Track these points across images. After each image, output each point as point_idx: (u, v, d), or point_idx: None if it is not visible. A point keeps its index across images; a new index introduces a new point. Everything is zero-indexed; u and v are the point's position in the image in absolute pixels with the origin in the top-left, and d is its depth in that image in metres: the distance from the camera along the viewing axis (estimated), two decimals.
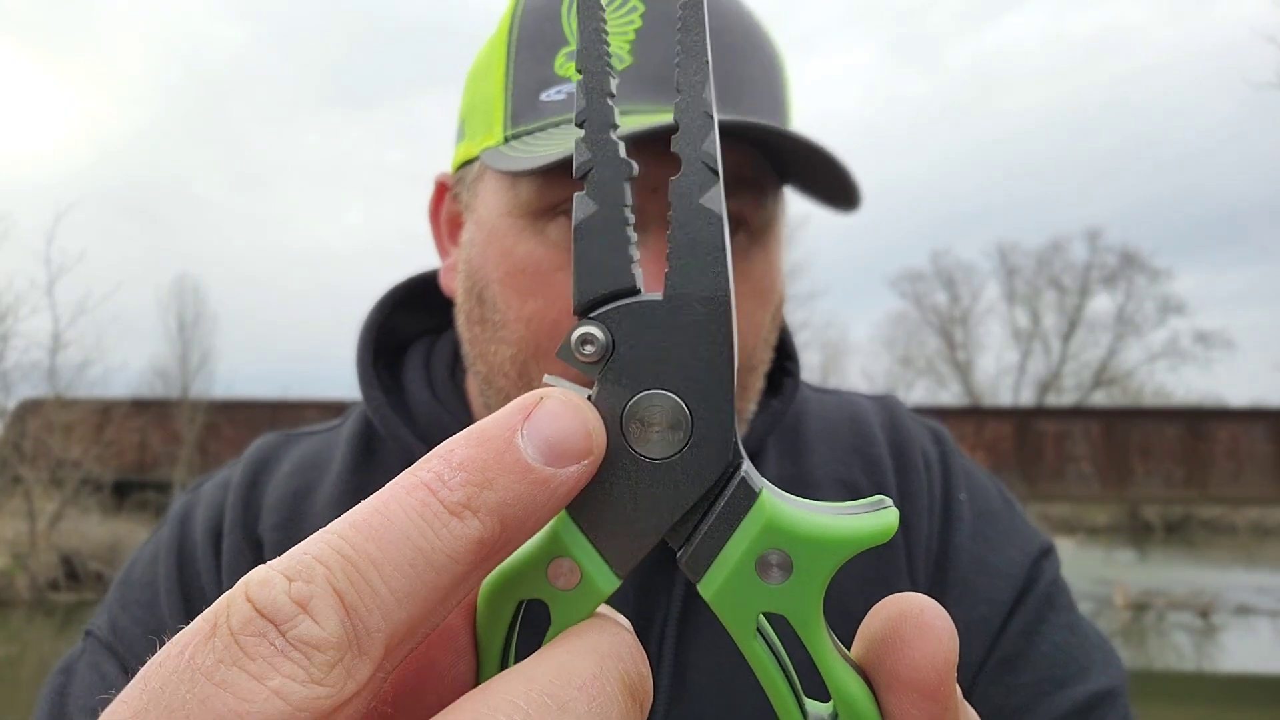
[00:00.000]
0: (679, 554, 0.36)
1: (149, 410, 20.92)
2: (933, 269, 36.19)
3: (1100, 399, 32.13)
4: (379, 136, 64.50)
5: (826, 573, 0.35)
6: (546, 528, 0.35)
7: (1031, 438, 18.67)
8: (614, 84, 0.36)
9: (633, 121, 0.67)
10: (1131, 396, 32.75)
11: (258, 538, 0.78)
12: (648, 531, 0.35)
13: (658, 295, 0.35)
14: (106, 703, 0.72)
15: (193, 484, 0.86)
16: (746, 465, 0.36)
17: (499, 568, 0.34)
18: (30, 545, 16.70)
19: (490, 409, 0.77)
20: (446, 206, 0.84)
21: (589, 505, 0.35)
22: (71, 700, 0.75)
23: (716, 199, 0.36)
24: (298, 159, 59.67)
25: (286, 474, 0.82)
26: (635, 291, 0.36)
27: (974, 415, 20.11)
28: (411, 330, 0.90)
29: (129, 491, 20.28)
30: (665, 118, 0.67)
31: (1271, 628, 16.05)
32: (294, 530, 0.77)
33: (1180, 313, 33.63)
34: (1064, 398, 32.05)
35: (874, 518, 0.36)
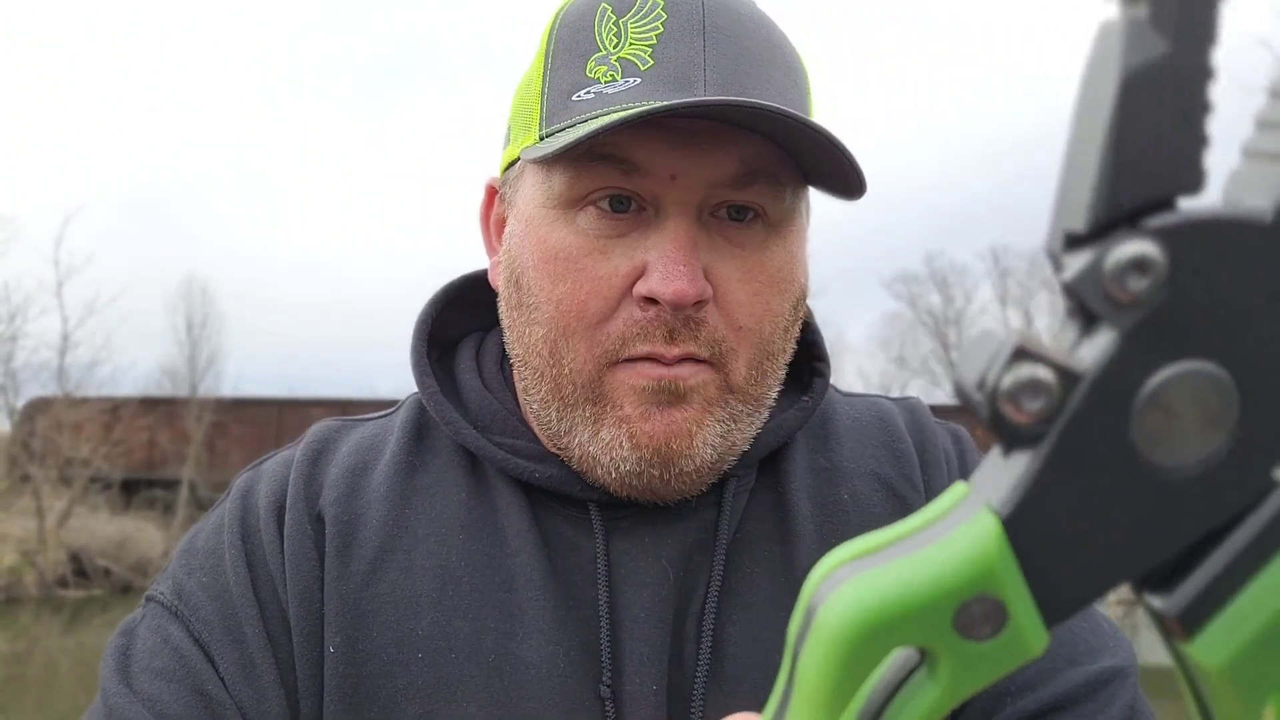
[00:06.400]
0: (1157, 603, 0.27)
1: (157, 409, 20.93)
2: (927, 271, 36.00)
3: None
4: (388, 138, 64.55)
5: None
6: (968, 547, 0.26)
7: None
8: None
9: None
10: None
11: (319, 513, 0.80)
12: (1114, 571, 0.26)
13: (1264, 210, 0.25)
14: (171, 667, 0.74)
15: (252, 463, 0.89)
16: None
17: (884, 593, 0.26)
18: (39, 542, 16.76)
19: (527, 391, 0.79)
20: (495, 209, 0.86)
21: (1038, 526, 0.26)
22: (135, 660, 0.76)
23: None
24: (307, 158, 59.75)
25: (345, 454, 0.84)
26: (1195, 191, 0.25)
27: (967, 415, 19.99)
28: (463, 326, 0.92)
29: (137, 489, 20.40)
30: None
31: None
32: (351, 503, 0.80)
33: None
34: None
35: None
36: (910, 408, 0.92)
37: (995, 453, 0.28)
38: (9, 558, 16.48)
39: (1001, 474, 0.27)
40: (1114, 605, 16.95)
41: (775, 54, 0.77)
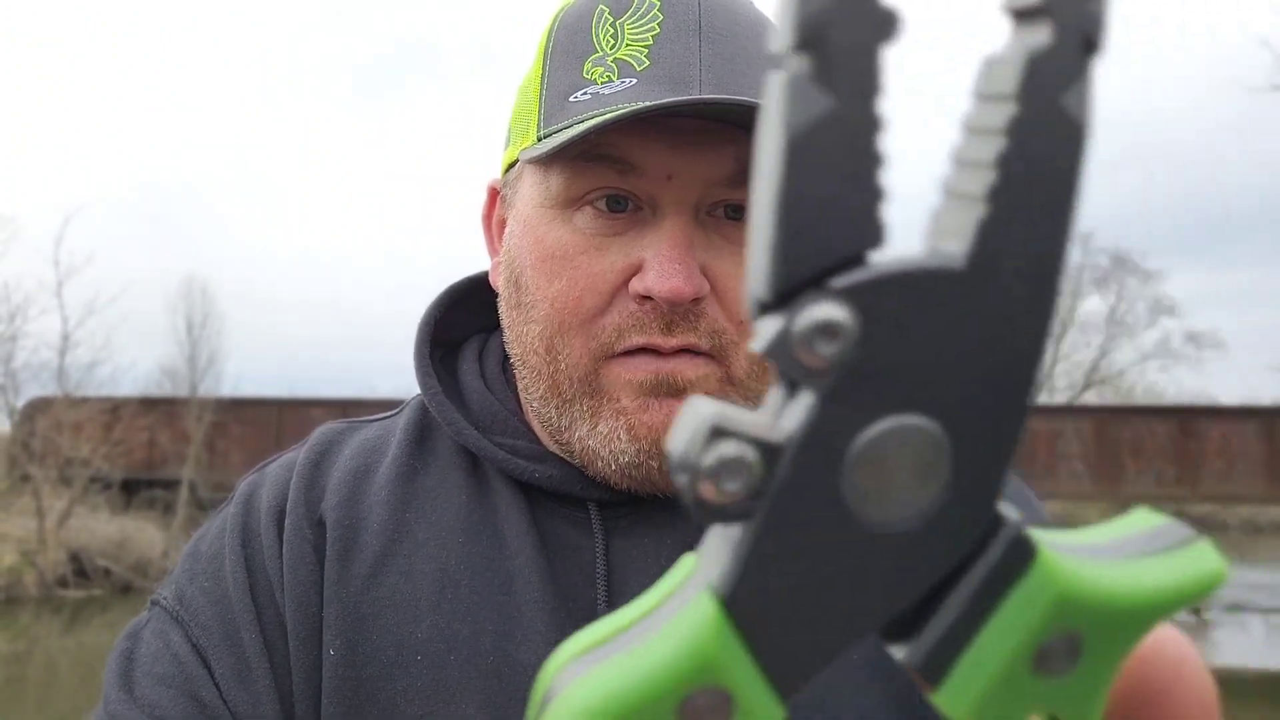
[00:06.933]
0: (900, 654, 0.27)
1: (157, 409, 20.92)
2: None
3: (1092, 398, 32.01)
4: (388, 138, 64.53)
5: (1128, 650, 0.26)
6: (684, 640, 0.25)
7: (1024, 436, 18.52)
8: None
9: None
10: (1123, 396, 32.62)
11: (320, 517, 0.80)
12: (844, 634, 0.25)
13: (956, 256, 0.24)
14: (170, 673, 0.75)
15: (257, 465, 0.89)
16: (1015, 515, 0.26)
17: (603, 696, 0.24)
18: (39, 542, 16.73)
19: (527, 390, 0.80)
20: (496, 210, 0.86)
21: (760, 600, 0.25)
22: (138, 665, 0.77)
23: (1085, 103, 0.24)
24: (307, 158, 59.71)
25: (348, 457, 0.84)
26: (876, 245, 0.24)
27: None
28: (467, 327, 0.92)
29: (137, 489, 20.38)
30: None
31: (1263, 625, 16.11)
32: (353, 507, 0.80)
33: (1172, 314, 33.32)
34: (1056, 397, 31.71)
35: (1191, 561, 0.26)
36: None
37: (718, 525, 0.27)
38: (9, 558, 16.46)
39: (721, 549, 0.26)
40: None
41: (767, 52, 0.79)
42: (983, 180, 0.24)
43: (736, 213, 0.75)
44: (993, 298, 0.24)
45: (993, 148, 0.24)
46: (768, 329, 0.24)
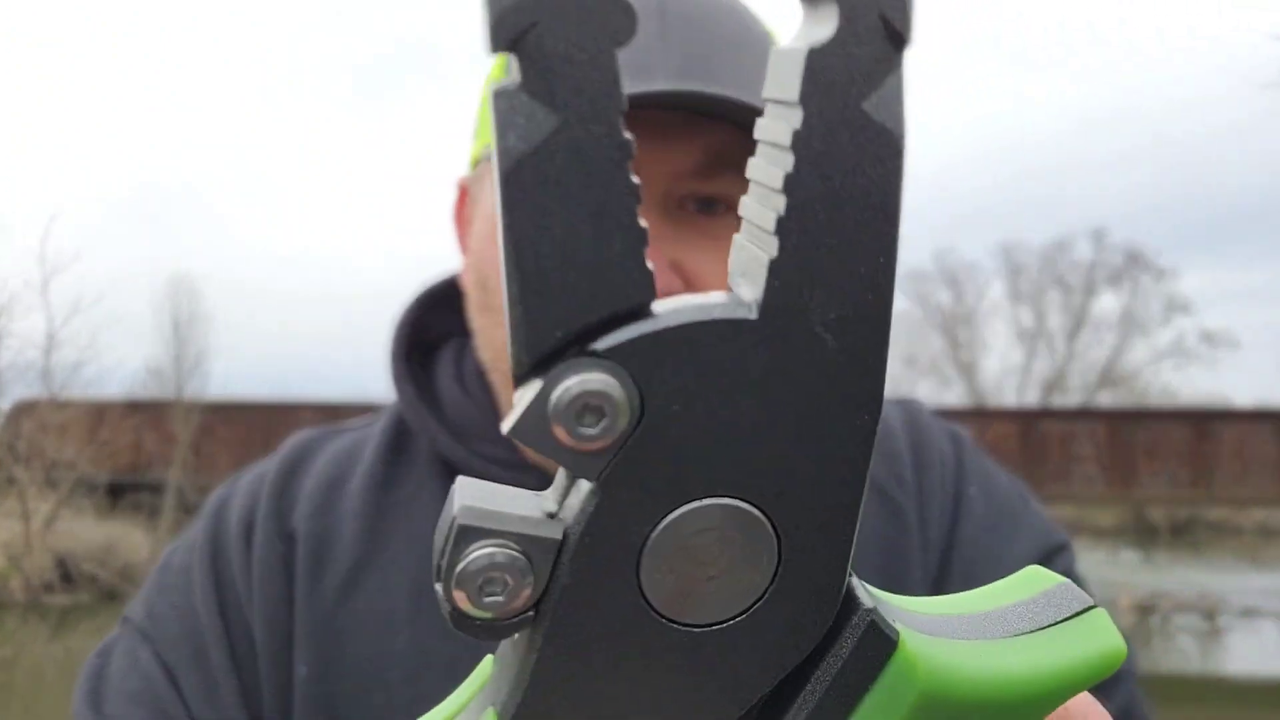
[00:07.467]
0: None
1: (144, 411, 20.82)
2: (936, 268, 35.94)
3: (1105, 399, 32.06)
4: (388, 138, 64.75)
5: None
6: None
7: (1036, 439, 18.62)
8: None
9: None
10: (1137, 396, 32.60)
11: (290, 530, 0.79)
12: None
13: (748, 303, 0.19)
14: (138, 690, 0.72)
15: (231, 477, 0.87)
16: (868, 598, 0.21)
17: None
18: (25, 547, 16.55)
19: (499, 396, 0.80)
20: (466, 209, 0.85)
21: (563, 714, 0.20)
22: (108, 683, 0.76)
23: (894, 105, 0.19)
24: (307, 158, 59.92)
25: (321, 467, 0.83)
26: (648, 306, 0.19)
27: (978, 416, 20.07)
28: (445, 328, 0.90)
29: (123, 492, 20.23)
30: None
31: (1276, 630, 15.96)
32: (325, 518, 0.79)
33: (1186, 312, 33.44)
34: (1069, 397, 31.85)
35: (1084, 637, 0.22)
36: (907, 408, 0.91)
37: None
38: None
39: (509, 659, 0.22)
40: (1129, 612, 16.90)
41: (745, 37, 0.75)
42: (773, 208, 0.19)
43: (707, 206, 0.73)
44: (799, 352, 0.19)
45: (780, 167, 0.19)
46: (519, 403, 0.19)
